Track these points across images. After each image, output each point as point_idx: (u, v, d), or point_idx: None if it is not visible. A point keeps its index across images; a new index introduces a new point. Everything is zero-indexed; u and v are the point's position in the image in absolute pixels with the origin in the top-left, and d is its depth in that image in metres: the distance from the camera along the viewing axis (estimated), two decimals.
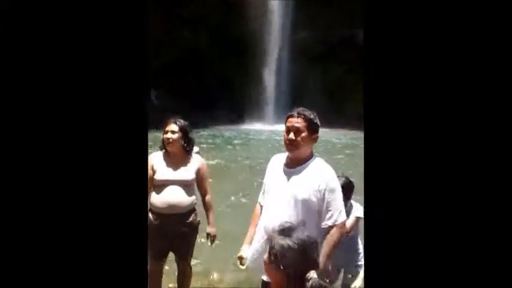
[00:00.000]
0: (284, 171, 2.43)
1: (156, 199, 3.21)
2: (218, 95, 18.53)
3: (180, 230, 3.23)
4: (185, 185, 3.24)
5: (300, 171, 2.37)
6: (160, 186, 3.21)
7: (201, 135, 15.44)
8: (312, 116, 2.38)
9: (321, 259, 2.09)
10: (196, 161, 3.38)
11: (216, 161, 10.18)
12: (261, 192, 2.61)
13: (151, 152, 3.33)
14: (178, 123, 3.31)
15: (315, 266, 1.57)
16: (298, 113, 2.37)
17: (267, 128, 17.66)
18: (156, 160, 3.32)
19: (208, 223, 3.39)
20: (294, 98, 18.79)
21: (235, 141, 14.44)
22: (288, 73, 19.64)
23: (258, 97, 19.88)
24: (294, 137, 2.32)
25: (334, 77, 19.12)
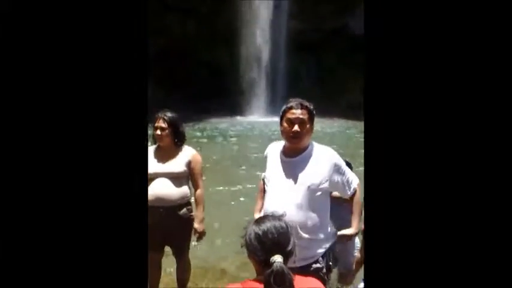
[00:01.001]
0: (284, 161, 2.45)
1: (153, 191, 3.19)
2: (209, 86, 18.43)
3: (171, 223, 3.20)
4: (174, 178, 3.21)
5: (304, 159, 2.41)
6: (150, 179, 3.19)
7: (193, 127, 15.39)
8: (311, 107, 2.43)
9: (355, 220, 2.59)
10: (187, 153, 3.34)
11: (210, 153, 10.15)
12: (264, 174, 2.62)
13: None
14: (166, 118, 3.26)
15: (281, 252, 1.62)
16: (301, 105, 2.39)
17: (259, 119, 17.63)
18: (149, 153, 3.28)
19: (196, 218, 3.33)
20: (286, 88, 18.82)
21: (229, 133, 14.40)
22: (280, 62, 19.59)
23: (249, 87, 19.83)
24: (299, 129, 2.35)
25: (327, 67, 19.11)
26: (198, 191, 3.36)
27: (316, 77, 19.02)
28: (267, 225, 1.63)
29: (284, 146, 2.50)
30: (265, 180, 2.59)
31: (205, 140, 12.56)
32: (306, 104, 2.41)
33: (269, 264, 1.53)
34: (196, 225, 3.30)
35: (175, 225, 3.23)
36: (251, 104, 19.61)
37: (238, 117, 18.31)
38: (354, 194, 2.58)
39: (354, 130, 13.68)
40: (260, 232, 1.61)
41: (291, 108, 2.39)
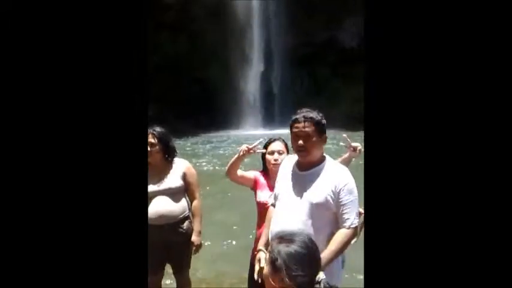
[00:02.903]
0: (297, 174, 2.36)
1: (151, 210, 3.12)
2: (203, 101, 18.48)
3: (173, 239, 3.14)
4: (172, 193, 3.16)
5: (314, 175, 2.30)
6: (149, 198, 3.12)
7: (186, 143, 15.38)
8: (318, 118, 2.29)
9: (326, 256, 2.10)
10: (181, 166, 3.27)
11: (205, 168, 10.12)
12: (273, 194, 2.52)
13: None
14: (156, 133, 3.18)
15: (319, 268, 1.52)
16: (304, 117, 2.26)
17: (253, 132, 17.67)
18: None
19: (194, 231, 3.23)
20: (280, 101, 18.90)
21: (222, 147, 14.39)
22: (273, 76, 19.70)
23: (242, 102, 19.90)
24: (303, 143, 2.26)
25: (320, 79, 19.24)
26: (195, 203, 3.28)
27: (309, 89, 19.13)
28: (297, 244, 1.45)
29: (298, 160, 2.39)
30: (275, 195, 2.46)
31: (200, 153, 12.54)
32: (311, 115, 2.28)
33: (313, 283, 1.44)
34: (193, 237, 3.21)
35: (178, 241, 3.16)
36: (245, 117, 19.66)
37: (232, 132, 18.32)
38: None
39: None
40: (302, 249, 1.44)
41: (295, 121, 2.29)
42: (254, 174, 3.09)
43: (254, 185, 3.07)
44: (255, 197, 3.04)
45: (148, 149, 3.11)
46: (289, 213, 2.27)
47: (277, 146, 2.97)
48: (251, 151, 2.93)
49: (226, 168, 3.03)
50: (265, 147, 3.01)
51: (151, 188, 3.13)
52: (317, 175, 2.29)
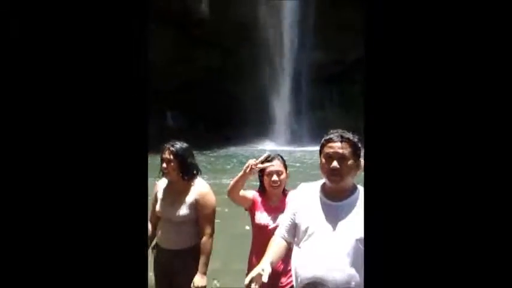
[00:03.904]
0: (328, 205, 2.03)
1: (159, 232, 2.98)
2: (233, 115, 18.65)
3: (182, 266, 2.85)
4: (179, 222, 2.87)
5: (350, 205, 2.00)
6: (161, 218, 2.98)
7: (216, 156, 15.50)
8: (356, 140, 2.02)
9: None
10: (196, 191, 2.90)
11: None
12: (284, 226, 2.18)
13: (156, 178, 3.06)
14: (173, 149, 2.87)
15: None
16: (341, 137, 2.00)
17: (280, 148, 17.68)
18: (160, 188, 3.05)
19: (197, 270, 2.82)
20: (308, 118, 18.86)
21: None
22: (302, 93, 19.71)
23: (271, 118, 19.95)
24: (338, 166, 1.96)
25: (349, 97, 19.12)
26: (203, 239, 2.85)
27: (339, 108, 19.03)
28: None
29: (325, 187, 2.08)
30: (288, 231, 2.13)
31: (228, 167, 12.59)
32: (348, 136, 2.01)
33: None
34: (196, 278, 2.80)
35: (188, 268, 2.84)
36: (273, 134, 19.70)
37: (259, 147, 18.38)
38: None
39: None
40: None
41: (329, 141, 2.01)
42: (253, 194, 2.90)
43: (252, 206, 2.87)
44: (252, 219, 2.87)
45: (165, 165, 2.87)
46: (327, 253, 1.94)
47: (275, 166, 2.78)
48: (257, 167, 2.73)
49: (229, 186, 2.82)
50: (264, 161, 2.80)
51: (160, 208, 2.95)
52: (354, 205, 2.00)
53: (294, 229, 2.13)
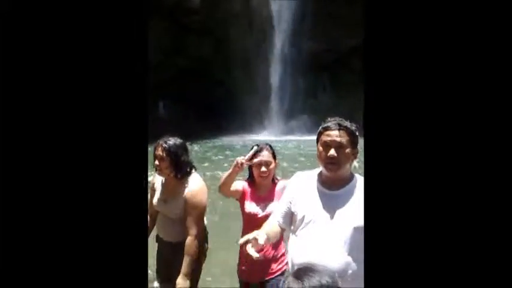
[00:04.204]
0: (326, 194, 2.02)
1: (158, 224, 2.99)
2: (225, 105, 18.58)
3: (178, 258, 2.81)
4: (176, 217, 2.86)
5: (348, 194, 1.99)
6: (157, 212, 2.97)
7: (208, 146, 15.47)
8: (353, 128, 2.02)
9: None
10: (186, 189, 2.83)
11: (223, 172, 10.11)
12: (279, 212, 2.17)
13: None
14: (165, 146, 2.79)
15: None
16: (339, 125, 1.99)
17: (273, 138, 17.66)
18: (157, 181, 3.01)
19: (179, 273, 2.75)
20: (302, 107, 18.84)
21: (244, 152, 14.40)
22: (295, 82, 19.66)
23: (264, 108, 19.91)
24: (335, 154, 1.95)
25: (343, 86, 19.11)
26: (188, 240, 2.75)
27: (332, 96, 19.01)
28: (316, 279, 1.34)
29: (321, 176, 2.07)
30: (284, 218, 2.12)
31: (221, 158, 12.59)
32: (346, 124, 2.01)
33: None
34: (179, 279, 2.71)
35: (179, 261, 2.80)
36: (266, 123, 19.66)
37: (252, 136, 18.35)
38: None
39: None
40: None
41: (327, 129, 2.00)
42: (242, 184, 2.95)
43: (242, 196, 2.92)
44: (242, 208, 2.90)
45: (157, 162, 2.82)
46: (324, 241, 1.94)
47: (264, 156, 2.80)
48: (246, 164, 2.77)
49: (220, 182, 2.83)
50: (252, 156, 2.82)
51: (157, 204, 2.92)
52: (351, 194, 1.99)
53: (288, 217, 2.12)
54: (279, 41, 19.75)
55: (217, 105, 18.56)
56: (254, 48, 19.18)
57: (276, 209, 2.21)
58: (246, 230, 2.82)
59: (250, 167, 2.89)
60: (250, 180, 2.94)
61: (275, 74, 19.97)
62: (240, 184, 2.95)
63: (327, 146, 1.98)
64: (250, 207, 2.85)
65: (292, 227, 2.11)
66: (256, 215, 2.80)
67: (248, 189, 2.92)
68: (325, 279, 1.36)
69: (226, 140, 17.22)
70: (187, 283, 2.72)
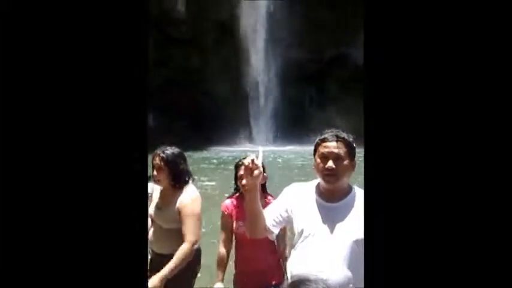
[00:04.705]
0: (324, 206, 1.99)
1: (151, 236, 2.88)
2: (213, 115, 18.58)
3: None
4: (170, 228, 2.78)
5: (348, 206, 1.98)
6: (153, 221, 2.89)
7: (197, 156, 15.41)
8: (351, 139, 2.00)
9: None
10: (180, 198, 2.76)
11: (213, 182, 10.09)
12: (272, 218, 2.08)
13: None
14: (163, 156, 2.73)
15: None
16: (337, 137, 1.97)
17: (262, 148, 17.62)
18: (155, 189, 2.95)
19: (184, 277, 2.69)
20: (288, 117, 18.93)
21: (232, 162, 14.38)
22: (282, 93, 19.77)
23: (253, 117, 19.96)
24: (333, 166, 1.93)
25: (329, 96, 19.28)
26: (183, 244, 2.65)
27: (318, 106, 19.15)
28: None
29: (319, 188, 2.04)
30: (276, 222, 2.05)
31: (211, 167, 12.53)
32: (343, 135, 1.98)
33: None
34: (153, 278, 2.57)
35: (178, 272, 2.67)
36: (253, 133, 19.70)
37: (239, 147, 18.34)
38: None
39: (358, 158, 13.63)
40: None
41: (324, 140, 1.97)
42: (226, 205, 2.79)
43: (230, 217, 2.75)
44: (231, 229, 2.75)
45: (155, 172, 2.77)
46: (324, 255, 1.92)
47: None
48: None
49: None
50: (237, 166, 2.69)
51: (153, 213, 2.85)
52: (351, 206, 1.97)
53: (281, 223, 2.07)
54: (266, 51, 19.88)
55: (203, 116, 18.55)
56: (240, 59, 19.27)
57: (270, 212, 2.09)
58: (239, 251, 2.78)
59: (236, 180, 2.76)
60: (236, 194, 2.81)
61: (262, 85, 20.07)
62: (224, 206, 2.81)
63: (324, 157, 1.95)
64: (240, 226, 2.68)
65: (291, 242, 2.07)
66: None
67: (235, 209, 2.77)
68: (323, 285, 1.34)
69: (213, 150, 17.19)
70: (159, 284, 2.57)
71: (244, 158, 2.58)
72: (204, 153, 16.27)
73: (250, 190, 1.92)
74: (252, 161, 1.90)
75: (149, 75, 1.52)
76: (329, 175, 1.94)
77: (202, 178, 10.05)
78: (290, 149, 15.67)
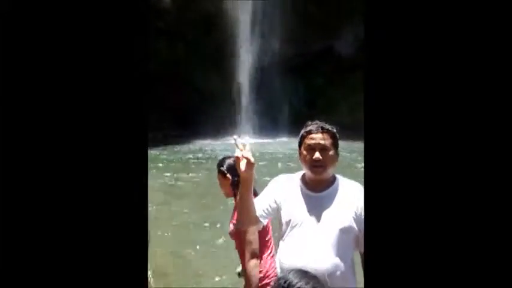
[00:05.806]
0: (310, 196, 2.04)
1: None
2: (198, 108, 18.46)
3: None
4: None
5: (331, 196, 2.03)
6: None
7: (183, 150, 15.33)
8: (335, 130, 2.07)
9: None
10: None
11: (200, 174, 10.06)
12: (262, 209, 2.09)
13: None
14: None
15: None
16: (322, 129, 2.02)
17: (250, 141, 17.59)
18: None
19: None
20: (275, 110, 18.92)
21: (218, 156, 14.35)
22: (268, 86, 19.72)
23: (238, 111, 19.89)
24: (320, 157, 1.98)
25: (315, 88, 19.30)
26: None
27: (305, 99, 19.17)
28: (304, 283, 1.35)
29: (305, 178, 2.09)
30: (266, 213, 2.08)
31: (196, 161, 12.49)
32: (328, 127, 2.05)
33: None
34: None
35: None
36: (241, 126, 19.64)
37: (228, 140, 18.28)
38: None
39: (344, 151, 13.72)
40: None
41: (309, 132, 2.02)
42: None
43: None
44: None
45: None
46: (312, 243, 1.97)
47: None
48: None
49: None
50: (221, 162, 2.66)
51: None
52: (334, 196, 2.03)
53: (271, 214, 2.12)
54: (252, 43, 19.78)
55: (190, 109, 18.43)
56: (227, 51, 19.15)
57: (257, 203, 2.10)
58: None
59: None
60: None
61: (248, 78, 19.99)
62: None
63: (311, 149, 2.00)
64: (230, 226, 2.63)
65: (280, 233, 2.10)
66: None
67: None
68: (314, 281, 1.38)
69: (199, 143, 17.11)
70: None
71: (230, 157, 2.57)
72: (190, 147, 16.17)
73: (247, 179, 1.93)
74: (243, 145, 1.91)
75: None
76: (316, 166, 2.00)
77: (190, 170, 10.04)
78: (277, 142, 15.76)
